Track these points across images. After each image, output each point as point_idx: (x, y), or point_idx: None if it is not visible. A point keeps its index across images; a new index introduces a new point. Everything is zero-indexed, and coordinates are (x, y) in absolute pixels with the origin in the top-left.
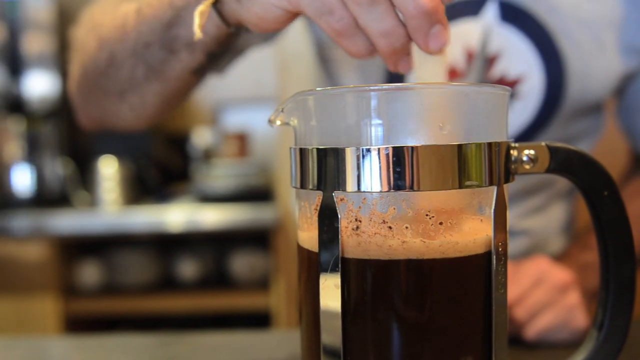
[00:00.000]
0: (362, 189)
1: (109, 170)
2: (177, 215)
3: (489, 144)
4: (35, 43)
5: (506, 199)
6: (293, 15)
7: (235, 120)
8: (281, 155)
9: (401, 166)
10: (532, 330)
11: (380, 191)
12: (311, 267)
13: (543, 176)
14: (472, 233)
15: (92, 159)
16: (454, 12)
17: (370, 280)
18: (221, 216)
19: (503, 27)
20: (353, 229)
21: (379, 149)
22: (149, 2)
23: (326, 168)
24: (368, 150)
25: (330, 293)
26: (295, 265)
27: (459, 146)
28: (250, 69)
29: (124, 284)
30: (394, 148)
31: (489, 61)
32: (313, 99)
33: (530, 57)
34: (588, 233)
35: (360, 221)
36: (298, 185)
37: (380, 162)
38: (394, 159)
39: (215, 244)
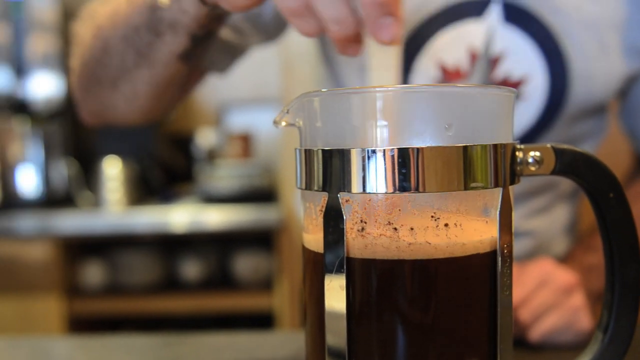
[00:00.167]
0: (368, 190)
1: (113, 170)
2: (180, 216)
3: (495, 146)
4: (40, 44)
5: (512, 200)
6: None
7: (239, 120)
8: (285, 156)
9: (406, 167)
10: (537, 332)
11: (386, 192)
12: (316, 268)
13: (547, 177)
14: (477, 235)
15: (96, 160)
16: (458, 13)
17: (375, 282)
18: (225, 217)
19: (507, 28)
20: (358, 230)
21: (384, 150)
22: None
23: (331, 169)
24: (373, 151)
25: (336, 294)
26: (299, 266)
27: (465, 148)
28: (254, 69)
29: (128, 284)
30: (400, 149)
31: (493, 62)
32: (318, 100)
33: (534, 58)
34: (592, 234)
35: (365, 222)
36: (303, 186)
37: (385, 164)
38: (400, 160)
39: (219, 245)
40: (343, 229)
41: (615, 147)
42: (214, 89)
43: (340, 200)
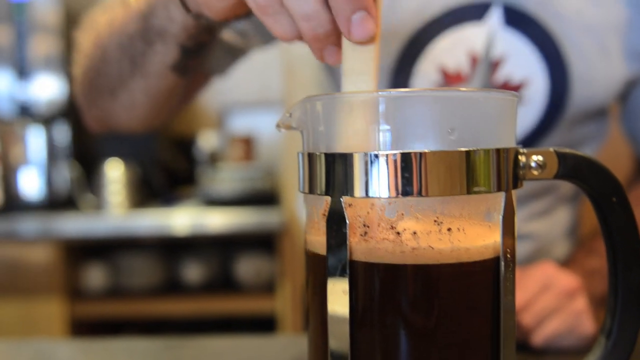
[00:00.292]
0: (370, 194)
1: (115, 173)
2: (182, 219)
3: (498, 150)
4: (42, 46)
5: (514, 204)
6: None
7: (241, 123)
8: (287, 159)
9: (409, 172)
10: (540, 336)
11: (389, 197)
12: (319, 272)
13: (548, 180)
14: (480, 239)
15: (99, 162)
16: (459, 17)
17: (378, 286)
18: (227, 220)
19: (507, 32)
20: (361, 235)
21: (387, 154)
22: None
23: (334, 173)
24: (376, 155)
25: (338, 298)
26: (301, 269)
27: (467, 152)
28: (256, 72)
29: (130, 287)
30: (402, 154)
31: (493, 65)
32: (321, 104)
33: (534, 61)
34: (593, 238)
35: (368, 227)
36: (306, 190)
37: (388, 168)
38: (402, 164)
39: (220, 248)
40: (346, 233)
41: (616, 150)
42: (216, 91)
43: (343, 204)
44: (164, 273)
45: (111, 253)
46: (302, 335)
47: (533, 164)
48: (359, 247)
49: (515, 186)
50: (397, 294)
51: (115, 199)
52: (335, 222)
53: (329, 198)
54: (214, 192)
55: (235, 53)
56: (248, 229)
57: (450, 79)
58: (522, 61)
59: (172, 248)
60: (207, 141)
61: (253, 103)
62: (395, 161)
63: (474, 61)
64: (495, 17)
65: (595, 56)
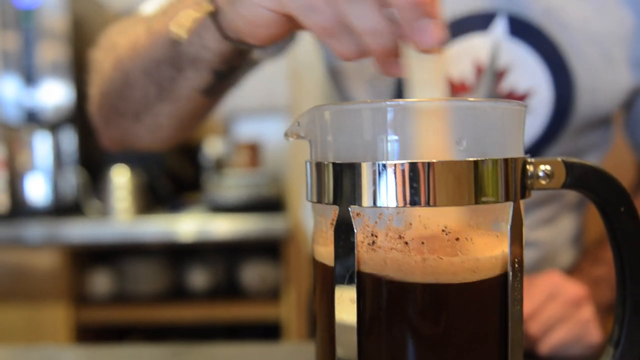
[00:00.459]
0: (378, 204)
1: (121, 179)
2: (188, 225)
3: (506, 160)
4: (50, 52)
5: (522, 214)
6: (283, 18)
7: (247, 130)
8: (293, 165)
9: (417, 182)
10: (546, 345)
11: (397, 206)
12: (326, 281)
13: None
14: (488, 249)
15: (105, 168)
16: (464, 27)
17: (386, 295)
18: (232, 226)
19: (512, 42)
20: (369, 244)
21: (395, 164)
22: (160, 20)
23: (342, 183)
24: (384, 165)
25: (346, 307)
26: (307, 276)
27: (476, 162)
28: (262, 79)
29: (135, 293)
30: (410, 164)
31: (498, 75)
32: (329, 114)
33: (539, 71)
34: (599, 246)
35: (376, 236)
36: (314, 199)
37: (396, 178)
38: (410, 174)
39: (226, 254)
40: (354, 242)
41: (620, 158)
42: None
43: (351, 214)
44: (169, 279)
45: (117, 259)
46: (308, 342)
47: (541, 174)
48: (367, 257)
49: (523, 196)
50: (405, 303)
51: (121, 205)
52: (343, 231)
53: (337, 207)
54: (219, 198)
55: (248, 66)
56: (253, 235)
57: (455, 89)
58: (527, 71)
59: (177, 254)
60: (212, 147)
61: (259, 110)
62: (403, 171)
63: (478, 71)
64: (500, 27)
65: (600, 66)
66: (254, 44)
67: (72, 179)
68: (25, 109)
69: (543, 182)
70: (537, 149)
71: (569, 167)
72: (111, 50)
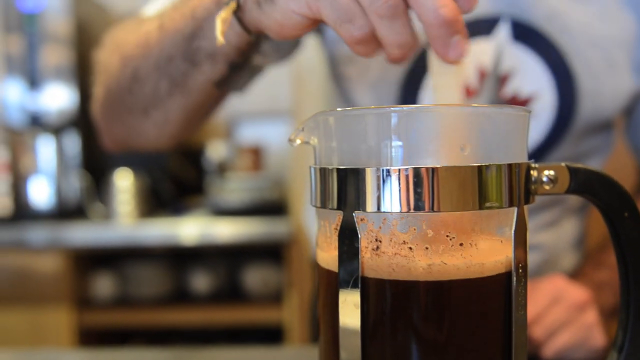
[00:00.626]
0: (383, 209)
1: (124, 183)
2: (191, 229)
3: (509, 165)
4: (53, 56)
5: (526, 219)
6: (312, 21)
7: (250, 134)
8: (295, 169)
9: (421, 187)
10: (550, 349)
11: (401, 212)
12: (330, 286)
13: None
14: (492, 254)
15: (108, 172)
16: (467, 32)
17: (390, 300)
18: (235, 230)
19: (515, 47)
20: (373, 249)
21: (399, 169)
22: (171, 16)
23: (347, 188)
24: (388, 171)
25: (350, 312)
26: (309, 280)
27: (480, 167)
28: (265, 83)
29: (138, 297)
30: (415, 169)
31: (501, 80)
32: (334, 119)
33: (542, 76)
34: (602, 250)
35: (380, 241)
36: (318, 204)
37: (400, 183)
38: (414, 179)
39: (228, 258)
40: (358, 247)
41: (620, 162)
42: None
43: (355, 219)
44: (172, 282)
45: (120, 262)
46: (310, 346)
47: (545, 179)
48: (371, 262)
49: (527, 201)
50: (410, 308)
51: (124, 208)
52: (348, 236)
53: (341, 213)
54: (222, 202)
55: (252, 71)
56: (256, 239)
57: None
58: (530, 75)
59: (180, 258)
60: (215, 151)
61: (261, 113)
62: (407, 176)
63: (482, 76)
64: (503, 32)
65: (602, 70)
66: (275, 37)
67: (76, 183)
68: (29, 113)
69: (547, 187)
70: (539, 153)
71: (573, 172)
72: (117, 49)
